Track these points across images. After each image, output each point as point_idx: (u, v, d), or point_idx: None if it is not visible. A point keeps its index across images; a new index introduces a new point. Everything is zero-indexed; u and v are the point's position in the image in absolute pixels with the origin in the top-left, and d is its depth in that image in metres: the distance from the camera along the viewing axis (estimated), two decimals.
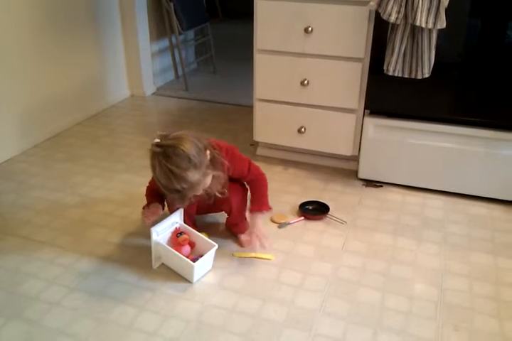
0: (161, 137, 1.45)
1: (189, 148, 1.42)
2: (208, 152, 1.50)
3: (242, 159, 1.71)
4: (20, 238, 1.84)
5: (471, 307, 1.52)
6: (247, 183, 1.78)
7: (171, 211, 1.72)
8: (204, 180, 1.49)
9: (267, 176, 1.77)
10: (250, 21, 2.14)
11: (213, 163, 1.53)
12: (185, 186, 1.42)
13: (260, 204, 1.75)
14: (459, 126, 1.98)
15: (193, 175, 1.42)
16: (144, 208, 1.71)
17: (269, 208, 1.76)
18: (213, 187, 1.57)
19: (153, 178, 1.60)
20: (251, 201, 1.77)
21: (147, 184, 1.75)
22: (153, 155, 1.43)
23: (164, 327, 1.44)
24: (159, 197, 1.71)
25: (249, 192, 1.79)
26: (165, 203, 1.74)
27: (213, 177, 1.53)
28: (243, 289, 1.60)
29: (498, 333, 1.43)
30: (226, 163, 1.58)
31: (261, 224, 1.74)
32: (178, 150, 1.40)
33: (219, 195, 1.62)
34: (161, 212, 1.70)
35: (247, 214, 1.80)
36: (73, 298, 1.55)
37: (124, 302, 1.54)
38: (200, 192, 1.52)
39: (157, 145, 1.42)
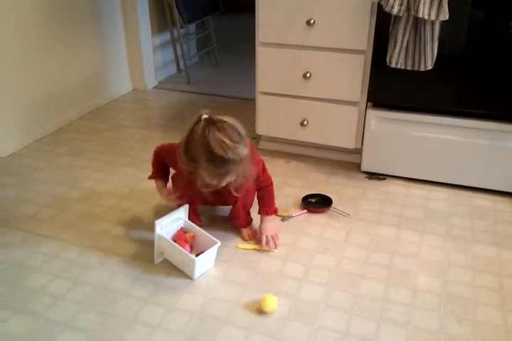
0: (209, 115, 1.49)
1: (240, 127, 1.48)
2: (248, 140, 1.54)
3: (258, 159, 1.72)
4: (25, 232, 1.85)
5: (474, 299, 1.53)
6: (258, 188, 1.78)
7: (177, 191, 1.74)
8: (244, 165, 1.50)
9: (269, 169, 1.78)
10: (252, 14, 2.13)
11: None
12: (234, 158, 1.43)
13: (268, 208, 1.79)
14: (463, 118, 1.97)
15: (243, 150, 1.46)
16: (150, 177, 1.83)
17: (276, 211, 1.82)
18: (239, 179, 1.56)
19: (164, 148, 1.74)
20: (259, 205, 1.81)
21: (156, 150, 1.80)
22: (205, 127, 1.44)
23: (168, 320, 1.45)
24: (165, 172, 1.81)
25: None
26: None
27: (245, 169, 1.54)
28: (246, 282, 1.60)
29: (501, 324, 1.44)
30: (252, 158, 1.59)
31: (272, 225, 1.79)
32: (232, 125, 1.46)
33: (234, 193, 1.62)
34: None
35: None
36: (77, 292, 1.56)
37: (128, 295, 1.54)
38: (231, 179, 1.53)
39: (210, 118, 1.46)
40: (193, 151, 1.46)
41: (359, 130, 2.19)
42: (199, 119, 1.46)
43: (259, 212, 1.80)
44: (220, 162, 1.44)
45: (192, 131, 1.46)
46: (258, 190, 1.79)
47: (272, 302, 1.46)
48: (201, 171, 1.48)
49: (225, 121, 1.46)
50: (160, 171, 1.81)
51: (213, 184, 1.52)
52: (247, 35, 2.75)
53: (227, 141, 1.42)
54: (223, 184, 1.54)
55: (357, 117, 2.16)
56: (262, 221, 1.79)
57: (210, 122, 1.45)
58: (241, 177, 1.55)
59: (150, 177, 1.85)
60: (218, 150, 1.42)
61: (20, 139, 2.50)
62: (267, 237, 1.74)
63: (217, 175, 1.48)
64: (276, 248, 1.75)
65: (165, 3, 3.31)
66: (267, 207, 1.79)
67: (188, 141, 1.47)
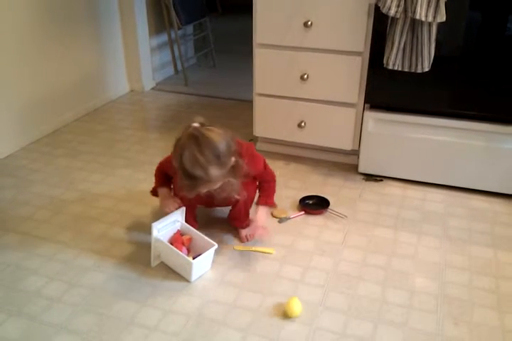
0: (201, 124, 1.47)
1: (223, 147, 1.44)
2: (233, 158, 1.51)
3: (259, 158, 1.73)
4: (21, 234, 1.84)
5: (471, 301, 1.53)
6: (260, 181, 1.79)
7: (176, 195, 1.74)
8: (219, 183, 1.51)
9: None
10: (250, 15, 2.13)
11: (234, 169, 1.53)
12: (202, 176, 1.42)
13: (267, 199, 1.80)
14: (459, 120, 1.97)
15: (214, 171, 1.43)
16: (151, 192, 1.84)
17: (274, 204, 1.83)
18: (226, 190, 1.58)
19: (166, 159, 1.70)
20: (259, 195, 1.82)
21: (158, 165, 1.79)
22: (188, 138, 1.43)
23: (165, 322, 1.45)
24: (167, 181, 1.77)
25: None
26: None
27: (228, 182, 1.54)
28: (243, 284, 1.60)
29: (498, 326, 1.44)
30: (246, 168, 1.56)
31: (265, 216, 1.79)
32: (213, 144, 1.42)
33: (237, 197, 1.64)
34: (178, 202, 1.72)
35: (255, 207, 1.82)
36: (74, 294, 1.55)
37: (125, 297, 1.54)
38: (210, 189, 1.54)
39: (196, 129, 1.44)
40: (175, 162, 1.47)
41: (356, 131, 2.19)
42: (189, 126, 1.46)
43: (257, 202, 1.80)
44: (187, 176, 1.44)
45: (180, 138, 1.46)
46: (260, 182, 1.79)
47: (296, 307, 1.46)
48: (178, 181, 1.49)
49: (209, 137, 1.43)
50: (162, 181, 1.79)
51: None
52: (244, 37, 2.75)
53: (199, 158, 1.40)
54: (195, 194, 1.53)
55: (354, 119, 2.16)
56: (258, 210, 1.78)
57: (195, 134, 1.43)
58: (223, 191, 1.56)
59: (153, 192, 1.84)
60: (188, 165, 1.42)
61: (16, 141, 2.50)
62: (259, 228, 1.74)
63: (186, 186, 1.48)
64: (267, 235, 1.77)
65: (162, 5, 3.31)
66: (266, 198, 1.80)
67: (175, 145, 1.47)
